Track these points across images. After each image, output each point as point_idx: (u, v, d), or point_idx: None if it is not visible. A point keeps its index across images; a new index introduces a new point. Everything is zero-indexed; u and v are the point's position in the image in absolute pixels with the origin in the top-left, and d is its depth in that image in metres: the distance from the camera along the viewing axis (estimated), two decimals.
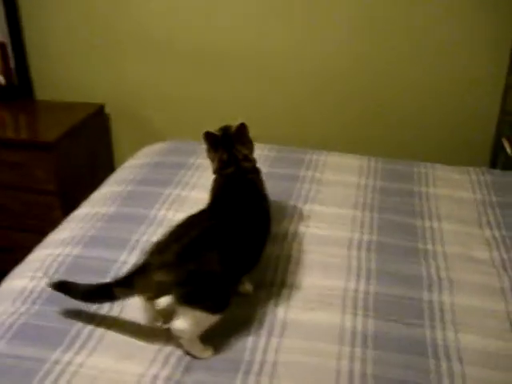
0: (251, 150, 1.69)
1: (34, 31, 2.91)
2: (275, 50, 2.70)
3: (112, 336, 1.38)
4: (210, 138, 1.65)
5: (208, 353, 1.34)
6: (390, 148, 2.67)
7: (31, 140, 2.67)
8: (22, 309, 1.46)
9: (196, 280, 1.31)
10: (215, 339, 1.37)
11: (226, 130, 1.67)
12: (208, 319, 1.33)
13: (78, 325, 1.41)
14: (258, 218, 1.54)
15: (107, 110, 2.99)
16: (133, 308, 1.42)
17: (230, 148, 1.64)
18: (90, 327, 1.40)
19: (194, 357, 1.33)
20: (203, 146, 1.71)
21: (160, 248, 1.36)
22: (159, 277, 1.30)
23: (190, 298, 1.30)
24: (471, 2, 2.45)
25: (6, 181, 2.66)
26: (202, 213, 1.49)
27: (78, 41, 2.89)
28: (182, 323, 1.31)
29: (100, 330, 1.40)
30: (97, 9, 2.80)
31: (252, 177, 1.66)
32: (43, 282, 1.55)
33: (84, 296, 1.39)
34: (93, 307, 1.45)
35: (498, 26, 2.47)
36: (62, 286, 1.41)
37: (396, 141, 2.73)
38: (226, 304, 1.35)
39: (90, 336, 1.38)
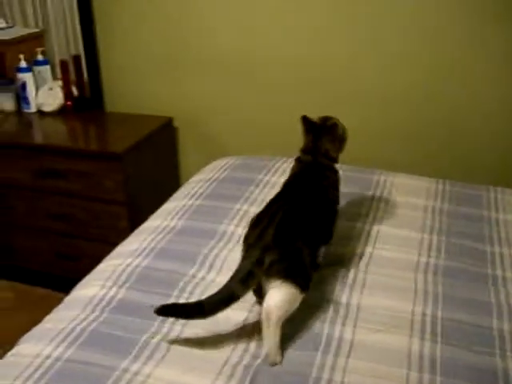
0: (337, 148, 1.76)
1: (107, 46, 2.99)
2: (340, 68, 2.69)
3: (179, 347, 1.40)
4: (305, 122, 1.75)
5: (279, 358, 1.38)
6: (457, 171, 2.63)
7: (101, 151, 2.72)
8: (92, 316, 1.50)
9: (291, 257, 1.43)
10: (284, 352, 1.39)
11: (324, 120, 1.76)
12: (297, 297, 1.40)
13: (146, 335, 1.43)
14: (322, 207, 1.65)
15: (175, 123, 3.03)
16: (196, 323, 1.44)
17: (317, 138, 1.72)
18: (157, 338, 1.42)
19: (267, 356, 1.38)
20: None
21: (258, 236, 1.46)
22: (270, 258, 1.39)
23: (287, 273, 1.39)
24: None
25: (76, 190, 2.72)
26: (277, 199, 1.62)
27: (148, 55, 2.95)
28: (275, 299, 1.38)
29: (167, 342, 1.41)
30: (167, 25, 2.85)
31: (328, 174, 1.73)
32: (113, 291, 1.59)
33: (199, 310, 1.39)
34: (159, 319, 1.47)
35: None
36: (167, 310, 1.42)
37: (464, 164, 2.69)
38: (310, 282, 1.46)
39: (157, 347, 1.40)
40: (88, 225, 2.78)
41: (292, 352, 1.39)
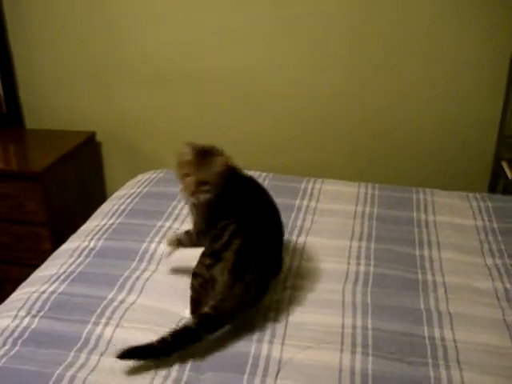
0: None
1: (23, 59, 2.87)
2: (276, 81, 2.66)
3: (97, 381, 1.30)
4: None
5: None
6: (388, 175, 2.62)
7: (19, 170, 2.60)
8: (2, 351, 1.38)
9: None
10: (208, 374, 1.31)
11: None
12: None
13: (59, 368, 1.33)
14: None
15: (98, 138, 2.93)
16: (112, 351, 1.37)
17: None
18: (72, 370, 1.32)
19: None
20: None
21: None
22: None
23: None
24: (470, 26, 2.42)
25: None
26: None
27: (68, 68, 2.84)
28: None
29: (83, 373, 1.31)
30: (87, 37, 2.76)
31: None
32: (26, 321, 1.48)
33: (165, 349, 1.34)
34: (74, 349, 1.38)
35: (495, 50, 2.43)
36: (131, 353, 1.33)
37: (394, 168, 2.68)
38: None
39: (72, 380, 1.29)
40: (10, 248, 2.65)
41: (217, 375, 1.31)
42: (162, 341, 1.34)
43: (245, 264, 1.44)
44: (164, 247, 1.73)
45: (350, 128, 2.67)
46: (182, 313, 1.49)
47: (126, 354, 1.32)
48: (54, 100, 2.92)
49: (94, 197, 2.93)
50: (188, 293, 1.50)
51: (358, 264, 1.73)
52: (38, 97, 2.93)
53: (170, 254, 1.67)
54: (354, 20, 2.49)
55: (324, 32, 2.53)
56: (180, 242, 1.64)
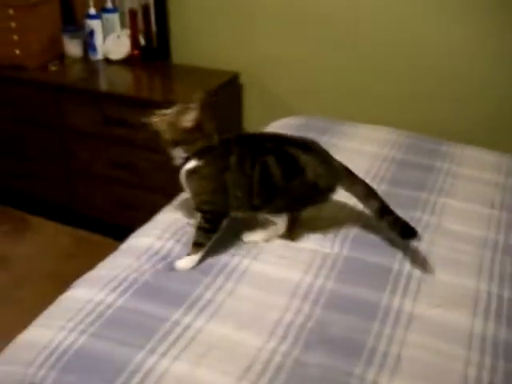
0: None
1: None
2: (419, 37, 2.58)
3: (231, 304, 1.37)
4: None
5: None
6: None
7: (166, 101, 2.67)
8: (146, 266, 1.48)
9: None
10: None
11: None
12: None
13: (200, 288, 1.41)
14: None
15: (241, 79, 2.97)
16: (248, 281, 1.43)
17: None
18: (209, 292, 1.40)
19: None
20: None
21: None
22: None
23: None
24: None
25: (139, 140, 2.69)
26: None
27: (218, 8, 2.89)
28: None
29: (220, 297, 1.38)
30: None
31: None
32: (170, 244, 1.57)
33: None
34: (213, 273, 1.45)
35: None
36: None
37: None
38: None
39: (209, 301, 1.37)
40: (149, 176, 2.75)
41: (349, 318, 1.35)
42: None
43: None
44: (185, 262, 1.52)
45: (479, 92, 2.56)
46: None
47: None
48: (201, 38, 2.98)
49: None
50: None
51: (498, 233, 1.69)
52: (187, 34, 3.00)
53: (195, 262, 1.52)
54: None
55: None
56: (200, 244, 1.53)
